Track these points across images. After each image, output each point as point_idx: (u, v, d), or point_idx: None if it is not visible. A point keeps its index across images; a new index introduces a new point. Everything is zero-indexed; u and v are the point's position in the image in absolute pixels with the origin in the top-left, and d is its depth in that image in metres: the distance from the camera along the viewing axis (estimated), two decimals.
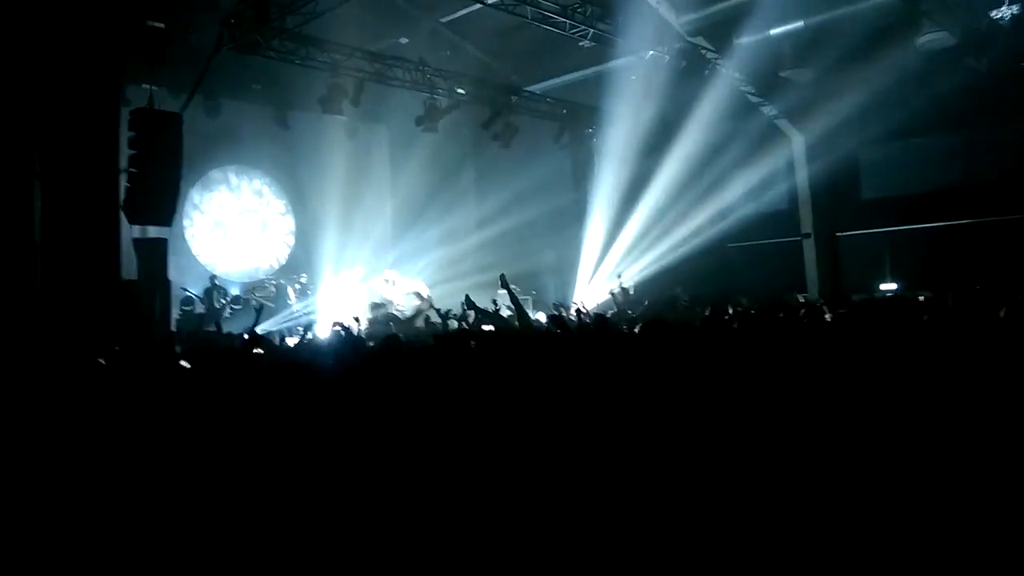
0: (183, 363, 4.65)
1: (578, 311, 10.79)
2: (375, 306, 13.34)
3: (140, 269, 10.65)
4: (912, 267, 13.88)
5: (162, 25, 11.96)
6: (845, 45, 12.40)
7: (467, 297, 9.31)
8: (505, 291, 8.13)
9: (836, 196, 15.69)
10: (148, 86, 12.62)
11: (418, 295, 15.86)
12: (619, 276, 14.19)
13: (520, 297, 16.65)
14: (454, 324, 9.05)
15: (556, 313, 6.19)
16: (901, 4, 10.59)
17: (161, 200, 10.57)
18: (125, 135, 10.51)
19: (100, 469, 3.57)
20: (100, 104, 10.17)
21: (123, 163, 10.40)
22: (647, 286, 15.15)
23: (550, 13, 11.85)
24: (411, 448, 3.47)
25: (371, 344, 5.98)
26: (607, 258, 16.38)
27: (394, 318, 12.53)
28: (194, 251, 16.00)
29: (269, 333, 9.22)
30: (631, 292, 13.22)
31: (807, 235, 15.72)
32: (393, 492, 3.24)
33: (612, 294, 12.73)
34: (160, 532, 3.20)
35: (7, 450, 3.71)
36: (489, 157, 17.95)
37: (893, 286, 13.67)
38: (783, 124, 15.56)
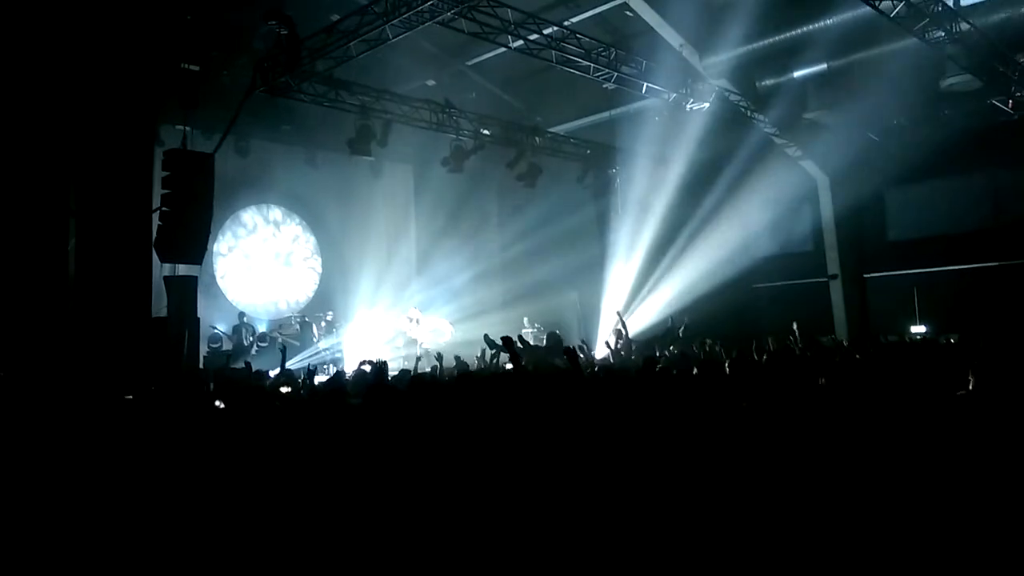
0: (217, 403, 4.69)
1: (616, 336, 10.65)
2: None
3: (170, 306, 10.77)
4: (942, 309, 13.70)
5: (196, 68, 12.32)
6: (869, 87, 12.45)
7: (486, 337, 9.32)
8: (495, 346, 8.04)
9: (862, 237, 15.61)
10: (182, 127, 12.93)
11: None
12: (618, 314, 12.93)
13: (543, 336, 16.74)
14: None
15: (572, 348, 6.15)
16: (925, 47, 10.61)
17: (192, 239, 10.73)
18: (159, 175, 10.75)
19: (128, 501, 3.60)
20: (135, 144, 10.43)
21: (156, 202, 10.62)
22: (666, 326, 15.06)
23: (574, 57, 12.02)
24: (438, 483, 3.46)
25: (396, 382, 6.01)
26: (629, 298, 16.35)
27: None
28: (223, 288, 16.21)
29: (296, 370, 9.26)
30: (625, 333, 11.76)
31: (834, 276, 15.61)
32: (418, 528, 3.22)
33: (608, 344, 10.85)
34: (185, 565, 3.21)
35: (40, 482, 3.76)
36: (513, 197, 18.11)
37: (923, 329, 13.47)
38: (808, 165, 15.57)
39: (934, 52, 10.71)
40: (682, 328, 11.74)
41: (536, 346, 10.80)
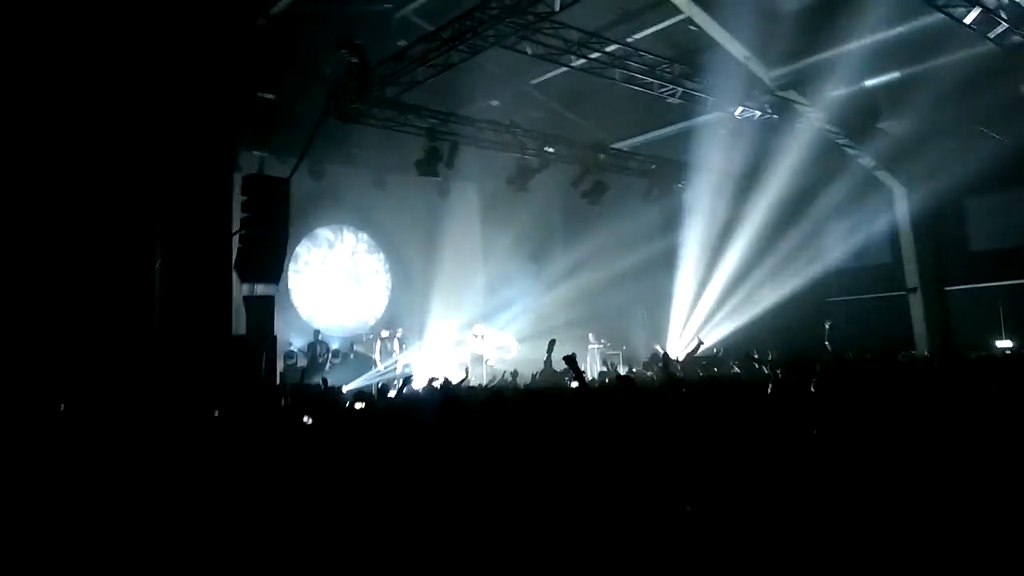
0: (305, 419, 4.90)
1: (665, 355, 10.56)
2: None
3: (249, 324, 11.22)
4: None
5: (272, 96, 12.85)
6: (944, 93, 12.05)
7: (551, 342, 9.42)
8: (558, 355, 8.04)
9: (942, 248, 15.07)
10: (259, 153, 13.50)
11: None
12: (656, 348, 12.57)
13: (610, 352, 16.73)
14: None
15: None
16: (1002, 53, 10.26)
17: (270, 260, 11.18)
18: (238, 199, 11.24)
19: (221, 511, 3.80)
20: (216, 171, 10.96)
21: (235, 225, 11.10)
22: (736, 341, 14.83)
23: (637, 74, 12.04)
24: (509, 498, 3.54)
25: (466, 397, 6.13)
26: (697, 312, 16.17)
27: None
28: (297, 306, 16.75)
29: (367, 386, 9.53)
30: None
31: (913, 289, 15.11)
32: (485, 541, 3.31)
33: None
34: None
35: (132, 500, 3.99)
36: (579, 214, 18.15)
37: (1009, 343, 12.90)
38: (882, 175, 15.16)
39: (1011, 57, 10.35)
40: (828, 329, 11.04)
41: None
